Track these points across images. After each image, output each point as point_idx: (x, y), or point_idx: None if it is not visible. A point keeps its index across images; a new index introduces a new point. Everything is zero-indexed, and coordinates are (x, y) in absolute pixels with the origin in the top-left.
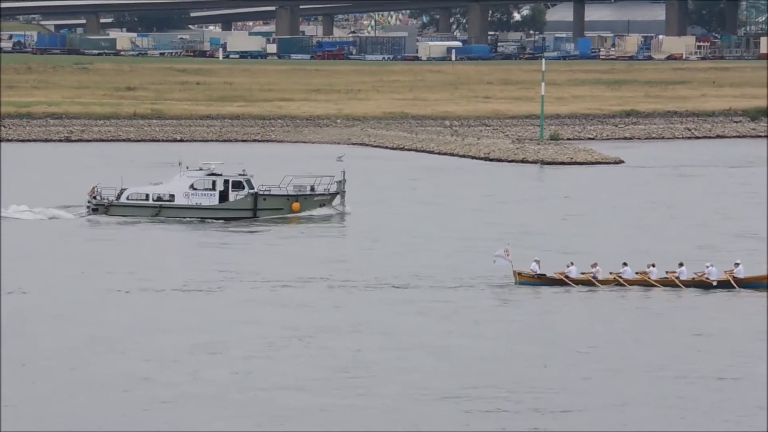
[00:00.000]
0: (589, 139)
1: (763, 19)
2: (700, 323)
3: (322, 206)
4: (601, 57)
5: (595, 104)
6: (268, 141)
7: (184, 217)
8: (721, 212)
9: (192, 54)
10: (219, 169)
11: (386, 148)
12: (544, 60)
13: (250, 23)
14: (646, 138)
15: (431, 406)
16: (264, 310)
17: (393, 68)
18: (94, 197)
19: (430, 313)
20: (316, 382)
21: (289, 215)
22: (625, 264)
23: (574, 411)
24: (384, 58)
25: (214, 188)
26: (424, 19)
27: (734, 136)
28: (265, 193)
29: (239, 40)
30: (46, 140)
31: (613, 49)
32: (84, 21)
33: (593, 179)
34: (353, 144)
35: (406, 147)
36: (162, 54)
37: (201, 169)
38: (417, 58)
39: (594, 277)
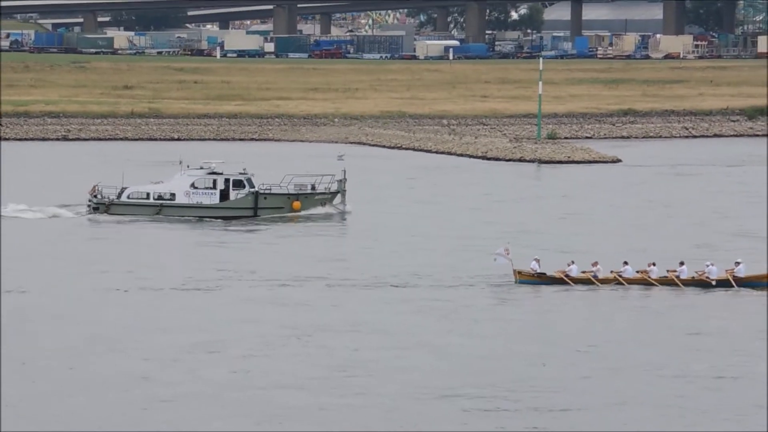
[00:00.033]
0: (587, 138)
1: (761, 18)
2: (700, 322)
3: (323, 205)
4: (599, 56)
5: (592, 103)
6: (265, 140)
7: (185, 216)
8: (719, 211)
9: (189, 53)
10: (220, 168)
11: (384, 147)
12: (541, 59)
13: (248, 22)
14: (643, 137)
15: (430, 405)
16: (263, 309)
17: (390, 67)
18: (95, 196)
19: (429, 312)
20: (315, 381)
21: (289, 214)
22: (625, 263)
23: (573, 410)
24: (381, 57)
25: (214, 187)
26: (422, 18)
27: (732, 135)
28: (266, 192)
29: (237, 38)
30: (44, 139)
31: (610, 48)
32: (81, 20)
33: (591, 178)
34: (351, 143)
35: (403, 146)
36: (159, 53)
37: (202, 168)
38: (414, 57)
39: (594, 276)
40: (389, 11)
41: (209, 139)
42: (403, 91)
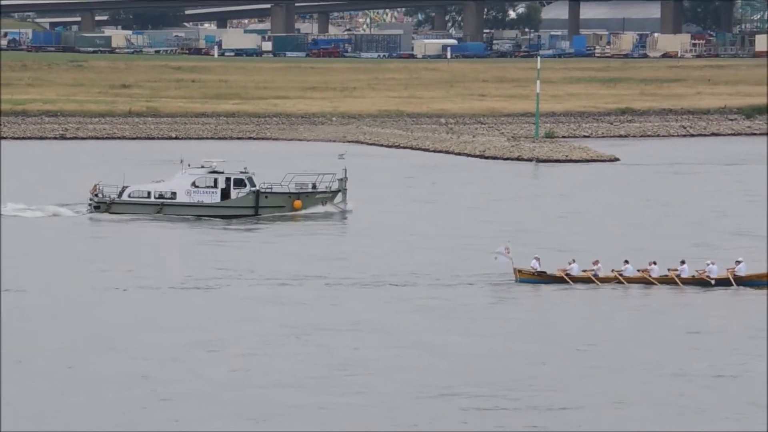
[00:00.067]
0: (585, 136)
1: (758, 17)
2: (700, 321)
3: (324, 204)
4: (597, 55)
5: (590, 102)
6: (263, 139)
7: (186, 215)
8: (717, 210)
9: (187, 52)
10: (221, 167)
11: (381, 145)
12: (539, 58)
13: (246, 21)
14: (641, 136)
15: (429, 404)
16: (262, 307)
17: (388, 66)
18: (96, 195)
19: (428, 310)
20: (314, 380)
21: (290, 213)
22: (626, 261)
23: (572, 409)
24: (379, 55)
25: (215, 186)
26: (420, 16)
27: (729, 134)
28: (267, 191)
29: (234, 37)
30: (41, 138)
31: (608, 46)
32: (79, 19)
33: (588, 177)
34: (348, 142)
35: (401, 145)
36: (157, 52)
37: (203, 167)
38: (412, 56)
39: (595, 275)
40: (387, 10)
41: (207, 138)
42: (400, 90)
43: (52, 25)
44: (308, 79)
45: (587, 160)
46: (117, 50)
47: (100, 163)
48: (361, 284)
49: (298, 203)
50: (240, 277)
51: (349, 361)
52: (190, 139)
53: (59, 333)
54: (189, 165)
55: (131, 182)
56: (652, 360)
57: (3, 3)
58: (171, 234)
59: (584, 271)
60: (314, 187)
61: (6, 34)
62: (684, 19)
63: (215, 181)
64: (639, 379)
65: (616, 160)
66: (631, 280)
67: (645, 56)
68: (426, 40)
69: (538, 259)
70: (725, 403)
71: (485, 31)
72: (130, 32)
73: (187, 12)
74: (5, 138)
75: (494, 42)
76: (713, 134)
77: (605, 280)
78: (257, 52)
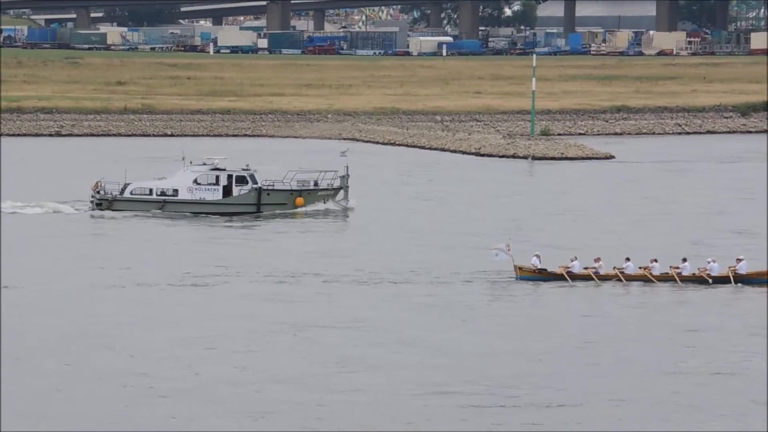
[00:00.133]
0: (580, 134)
1: (754, 14)
2: (699, 319)
3: (325, 202)
4: (592, 52)
5: (585, 100)
6: (258, 136)
7: (188, 212)
8: (713, 208)
9: (183, 49)
10: (223, 164)
11: (377, 143)
12: (535, 55)
13: (241, 18)
14: (636, 133)
15: (427, 400)
16: (260, 304)
17: (384, 63)
18: (98, 192)
19: (427, 308)
20: (312, 377)
21: (293, 210)
22: (627, 259)
23: (570, 406)
24: (375, 53)
25: (217, 183)
26: (415, 14)
27: (724, 132)
28: (269, 188)
29: (230, 34)
30: (37, 135)
31: (603, 44)
32: (74, 15)
33: (584, 174)
34: (344, 139)
35: (397, 142)
36: (153, 49)
37: (204, 164)
38: (408, 54)
39: (596, 273)
40: (383, 7)
41: (202, 135)
42: (396, 87)
43: (48, 21)
44: (304, 77)
45: (582, 158)
46: (112, 47)
47: (97, 160)
48: (359, 281)
49: (300, 200)
50: (239, 274)
51: (347, 359)
52: (185, 136)
53: (57, 330)
54: (191, 162)
55: (133, 179)
56: (651, 357)
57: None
58: (174, 231)
59: (586, 268)
60: (316, 184)
61: (1, 31)
62: (679, 16)
63: (217, 178)
64: (637, 376)
65: (612, 157)
66: (630, 278)
67: (640, 54)
68: (422, 38)
69: (538, 256)
70: (724, 400)
71: (481, 28)
72: (125, 29)
73: (183, 9)
74: (0, 135)
75: (490, 39)
76: (708, 132)
77: (605, 278)
78: (253, 50)
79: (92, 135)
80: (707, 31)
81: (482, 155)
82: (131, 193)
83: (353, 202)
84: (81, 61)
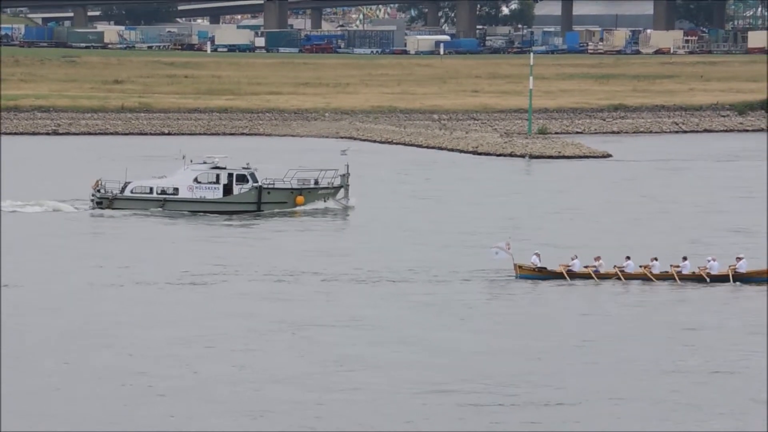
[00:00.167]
0: (577, 133)
1: (751, 13)
2: (698, 317)
3: (326, 200)
4: (589, 51)
5: (583, 98)
6: (256, 134)
7: (189, 211)
8: (710, 206)
9: (180, 47)
10: (223, 163)
11: (374, 141)
12: (532, 54)
13: (239, 17)
14: (633, 132)
15: (426, 399)
16: (259, 303)
17: (381, 62)
18: (98, 190)
19: (426, 307)
20: (311, 376)
21: (293, 209)
22: (628, 257)
23: (569, 404)
24: (372, 51)
25: (218, 182)
26: (413, 12)
27: (721, 131)
28: (270, 186)
29: (227, 33)
30: (34, 133)
31: (601, 43)
32: (72, 14)
33: (581, 173)
34: (341, 138)
35: (394, 141)
36: (150, 47)
37: (205, 163)
38: (405, 52)
39: (596, 271)
40: (380, 6)
41: (199, 134)
42: (393, 86)
43: (45, 20)
44: (301, 75)
45: (580, 157)
46: (109, 46)
47: (94, 158)
48: (358, 280)
49: (300, 199)
50: (237, 272)
51: (346, 357)
52: (182, 134)
53: (56, 328)
54: (191, 161)
55: (132, 178)
56: (650, 356)
57: None
58: (174, 230)
59: (586, 267)
60: (317, 183)
61: None
62: (677, 15)
63: (217, 176)
64: (637, 375)
65: (609, 156)
66: (630, 277)
67: (638, 53)
68: (419, 36)
69: (538, 254)
70: (723, 399)
71: (478, 27)
72: (122, 28)
73: (180, 8)
74: None
75: (487, 38)
76: (706, 130)
77: (605, 277)
78: (250, 48)
79: (89, 133)
80: (704, 29)
81: (479, 154)
82: (131, 192)
83: (353, 201)
84: (78, 60)
